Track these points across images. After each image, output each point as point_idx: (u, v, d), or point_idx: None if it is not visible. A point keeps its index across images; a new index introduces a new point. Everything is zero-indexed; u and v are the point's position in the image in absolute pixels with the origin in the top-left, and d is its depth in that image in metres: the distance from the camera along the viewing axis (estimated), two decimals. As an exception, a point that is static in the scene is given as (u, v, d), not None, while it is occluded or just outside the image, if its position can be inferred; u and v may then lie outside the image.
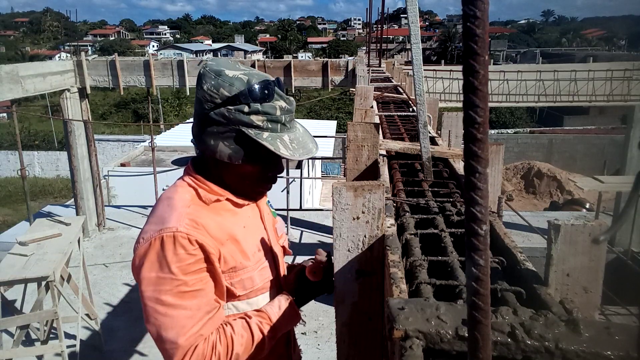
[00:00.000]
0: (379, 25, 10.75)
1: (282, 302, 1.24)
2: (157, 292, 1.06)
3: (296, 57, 31.15)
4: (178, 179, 1.25)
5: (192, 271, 1.07)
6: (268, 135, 1.11)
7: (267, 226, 1.34)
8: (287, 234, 1.60)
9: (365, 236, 1.09)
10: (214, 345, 1.09)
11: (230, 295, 1.19)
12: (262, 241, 1.29)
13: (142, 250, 1.08)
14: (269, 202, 1.44)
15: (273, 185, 1.27)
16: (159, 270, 1.06)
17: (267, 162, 1.18)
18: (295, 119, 1.22)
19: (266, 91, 1.11)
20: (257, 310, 1.21)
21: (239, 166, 1.16)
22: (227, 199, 1.21)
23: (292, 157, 1.12)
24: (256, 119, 1.11)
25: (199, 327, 1.07)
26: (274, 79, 1.16)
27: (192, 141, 1.22)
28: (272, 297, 1.30)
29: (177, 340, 1.05)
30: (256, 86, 1.10)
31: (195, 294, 1.07)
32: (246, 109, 1.09)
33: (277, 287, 1.33)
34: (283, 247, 1.41)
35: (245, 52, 59.28)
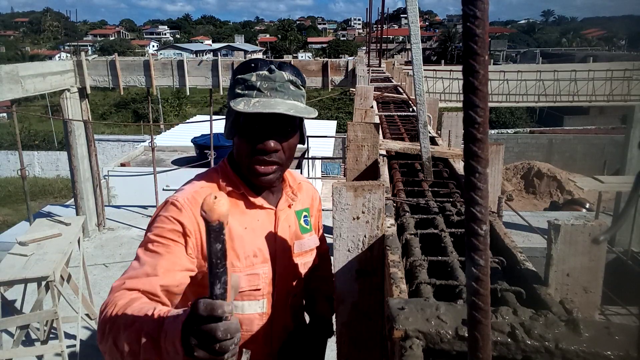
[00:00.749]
0: (379, 25, 10.76)
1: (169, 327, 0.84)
2: (139, 245, 1.13)
3: (296, 57, 31.17)
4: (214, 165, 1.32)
5: (163, 236, 1.09)
6: (240, 99, 1.13)
7: (279, 236, 1.27)
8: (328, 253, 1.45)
9: (365, 236, 1.09)
10: (115, 303, 0.96)
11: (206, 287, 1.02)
12: (264, 248, 1.23)
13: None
14: (306, 217, 1.37)
15: (267, 169, 1.17)
16: (148, 226, 1.15)
17: (247, 132, 1.16)
18: (297, 102, 1.17)
19: (252, 64, 1.16)
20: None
21: (234, 142, 1.21)
22: (242, 194, 1.22)
23: (245, 110, 1.09)
24: (237, 89, 1.15)
25: (129, 278, 1.03)
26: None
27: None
28: (268, 309, 1.26)
29: (115, 284, 1.04)
30: (243, 62, 1.19)
31: (151, 254, 1.08)
32: (233, 83, 1.17)
33: (275, 299, 1.28)
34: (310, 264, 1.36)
35: (245, 52, 59.30)
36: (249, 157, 1.18)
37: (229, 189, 1.21)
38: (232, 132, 1.19)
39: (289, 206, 1.32)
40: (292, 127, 1.19)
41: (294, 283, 1.34)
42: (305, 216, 1.37)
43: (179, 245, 1.10)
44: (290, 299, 1.33)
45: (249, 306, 1.23)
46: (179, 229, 1.10)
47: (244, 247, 1.20)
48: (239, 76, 1.16)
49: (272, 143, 1.15)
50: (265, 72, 1.14)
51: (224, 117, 1.25)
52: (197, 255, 1.13)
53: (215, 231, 0.68)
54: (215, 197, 0.67)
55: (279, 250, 1.27)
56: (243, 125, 1.16)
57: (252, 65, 1.16)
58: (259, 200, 1.24)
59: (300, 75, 1.21)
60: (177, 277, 1.08)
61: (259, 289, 1.23)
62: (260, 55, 55.59)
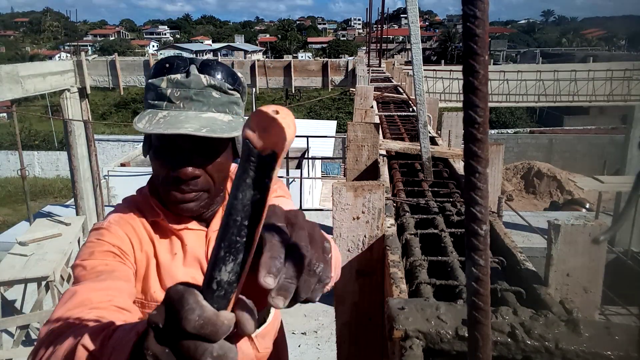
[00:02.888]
0: (379, 25, 10.76)
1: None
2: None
3: (296, 57, 31.19)
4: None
5: (94, 258, 0.89)
6: (147, 112, 0.90)
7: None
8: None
9: (365, 236, 1.09)
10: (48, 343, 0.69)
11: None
12: (198, 276, 1.00)
13: None
14: None
15: (186, 197, 0.94)
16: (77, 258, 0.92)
17: (160, 154, 0.93)
18: (219, 114, 0.93)
19: (167, 64, 0.91)
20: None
21: (151, 164, 0.97)
22: (163, 220, 1.00)
23: (145, 130, 0.87)
24: (148, 98, 0.92)
25: (60, 308, 0.76)
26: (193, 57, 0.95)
27: None
28: None
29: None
30: (160, 61, 0.92)
31: (76, 278, 0.87)
32: (145, 89, 0.93)
33: None
34: None
35: (245, 52, 59.31)
36: (166, 184, 0.95)
37: (151, 218, 1.00)
38: (146, 151, 0.97)
39: None
40: (216, 146, 0.94)
41: None
42: None
43: (117, 262, 0.91)
44: None
45: None
46: (113, 249, 0.91)
47: (175, 276, 0.99)
48: (150, 81, 0.91)
49: (189, 169, 0.91)
50: (179, 77, 0.89)
51: None
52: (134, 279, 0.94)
53: (264, 164, 0.40)
54: (277, 111, 0.39)
55: None
56: (155, 145, 0.93)
57: (167, 65, 0.91)
58: (182, 222, 1.02)
59: (231, 75, 0.94)
60: (129, 288, 0.89)
61: None
62: (260, 56, 55.57)
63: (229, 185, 1.06)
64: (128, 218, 0.98)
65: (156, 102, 0.90)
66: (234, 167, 1.06)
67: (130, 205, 1.02)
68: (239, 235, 0.40)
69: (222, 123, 0.90)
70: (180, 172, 0.91)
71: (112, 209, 1.07)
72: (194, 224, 1.02)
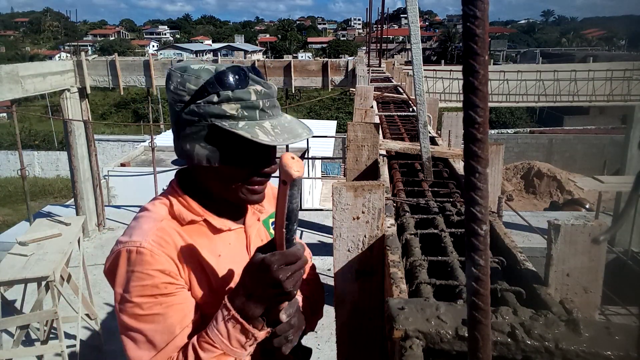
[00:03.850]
0: (379, 25, 10.76)
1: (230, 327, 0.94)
2: (119, 310, 0.97)
3: (296, 57, 31.18)
4: (161, 193, 1.11)
5: (149, 294, 0.94)
6: (245, 124, 0.96)
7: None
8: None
9: (365, 236, 1.09)
10: None
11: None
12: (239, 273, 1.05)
13: (108, 262, 1.01)
14: (273, 222, 1.16)
15: (262, 188, 1.06)
16: (119, 286, 0.97)
17: (250, 157, 1.01)
18: (286, 114, 1.05)
19: (237, 76, 0.96)
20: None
21: (221, 169, 1.01)
22: (205, 221, 1.05)
23: (274, 143, 0.94)
24: (229, 108, 0.96)
25: (154, 354, 0.94)
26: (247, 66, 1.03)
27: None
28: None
29: (132, 356, 0.95)
30: (225, 72, 0.97)
31: (152, 319, 0.95)
32: (215, 98, 0.96)
33: None
34: None
35: (245, 52, 59.31)
36: (246, 182, 1.03)
37: (189, 218, 1.04)
38: (224, 158, 1.00)
39: (258, 219, 1.17)
40: None
41: None
42: (272, 222, 1.19)
43: (173, 294, 0.97)
44: None
45: None
46: (161, 277, 0.95)
47: (224, 277, 1.05)
48: (227, 93, 0.96)
49: (274, 166, 1.03)
50: (262, 88, 0.98)
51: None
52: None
53: (296, 186, 0.83)
54: (293, 157, 0.82)
55: None
56: (242, 151, 1.00)
57: (237, 77, 0.97)
58: (225, 223, 1.08)
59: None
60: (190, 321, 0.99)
61: None
62: (260, 56, 55.53)
63: None
64: (164, 233, 1.00)
65: (247, 112, 0.97)
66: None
67: (161, 210, 1.05)
68: (293, 222, 0.88)
69: (304, 123, 1.06)
70: (271, 169, 1.03)
71: (140, 210, 1.08)
72: (233, 224, 1.10)
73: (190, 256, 1.01)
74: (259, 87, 0.98)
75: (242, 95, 0.96)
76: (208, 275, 1.03)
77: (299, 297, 1.11)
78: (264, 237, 1.16)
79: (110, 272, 0.99)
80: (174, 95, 1.00)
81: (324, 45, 69.98)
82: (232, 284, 1.03)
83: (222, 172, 1.01)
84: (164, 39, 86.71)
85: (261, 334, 0.94)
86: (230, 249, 1.08)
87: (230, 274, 1.05)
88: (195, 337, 0.95)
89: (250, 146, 0.97)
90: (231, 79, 0.96)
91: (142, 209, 1.08)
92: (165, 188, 1.14)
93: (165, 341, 0.95)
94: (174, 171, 1.17)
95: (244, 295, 0.93)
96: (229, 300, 0.94)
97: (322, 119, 25.44)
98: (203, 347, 0.93)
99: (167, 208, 1.05)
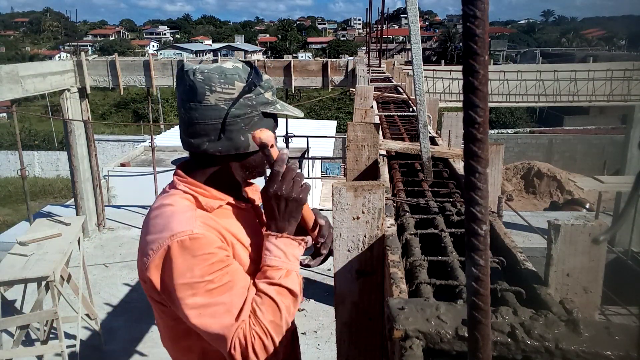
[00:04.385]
0: (379, 25, 10.76)
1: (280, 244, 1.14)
2: (190, 296, 1.03)
3: (296, 57, 31.14)
4: (169, 188, 1.19)
5: (217, 270, 1.04)
6: (278, 105, 1.20)
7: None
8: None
9: (365, 236, 1.09)
10: (257, 323, 1.05)
11: None
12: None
13: (157, 260, 1.05)
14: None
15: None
16: (180, 275, 1.03)
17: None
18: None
19: (257, 69, 1.19)
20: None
21: (244, 157, 1.18)
22: (228, 203, 1.18)
23: (299, 115, 1.26)
24: (269, 96, 1.18)
25: (237, 315, 1.04)
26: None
27: (197, 154, 1.17)
28: None
29: (222, 333, 1.03)
30: (255, 68, 1.18)
31: (224, 289, 1.05)
32: (261, 90, 1.16)
33: None
34: None
35: (245, 52, 59.33)
36: (262, 165, 1.22)
37: (216, 205, 1.15)
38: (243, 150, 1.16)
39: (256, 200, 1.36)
40: None
41: None
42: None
43: (232, 263, 1.09)
44: None
45: None
46: (219, 253, 1.06)
47: (253, 246, 1.19)
48: (264, 84, 1.17)
49: None
50: (274, 87, 1.22)
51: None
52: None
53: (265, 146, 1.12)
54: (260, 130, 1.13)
55: None
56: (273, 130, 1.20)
57: (259, 71, 1.18)
58: (240, 203, 1.23)
59: None
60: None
61: None
62: (260, 56, 55.56)
63: None
64: (204, 218, 1.11)
65: (274, 97, 1.20)
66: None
67: (185, 202, 1.14)
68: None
69: None
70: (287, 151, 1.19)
71: (155, 208, 1.15)
72: (245, 203, 1.26)
73: (228, 234, 1.14)
74: (266, 76, 1.20)
75: (269, 84, 1.18)
76: (245, 247, 1.17)
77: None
78: (262, 217, 1.33)
79: (163, 267, 1.05)
80: (222, 95, 1.11)
81: (324, 45, 69.97)
82: (260, 252, 1.17)
83: (255, 157, 1.19)
84: (164, 39, 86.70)
85: (307, 240, 1.20)
86: (249, 223, 1.23)
87: (256, 242, 1.19)
88: (257, 278, 1.11)
89: (274, 126, 1.21)
90: (260, 72, 1.17)
91: (161, 205, 1.15)
92: (173, 181, 1.21)
93: (241, 302, 1.05)
94: (174, 171, 1.24)
95: (275, 221, 1.14)
96: (268, 231, 1.15)
97: (322, 119, 25.44)
98: (270, 276, 1.09)
99: (189, 201, 1.14)
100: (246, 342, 1.02)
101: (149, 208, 1.22)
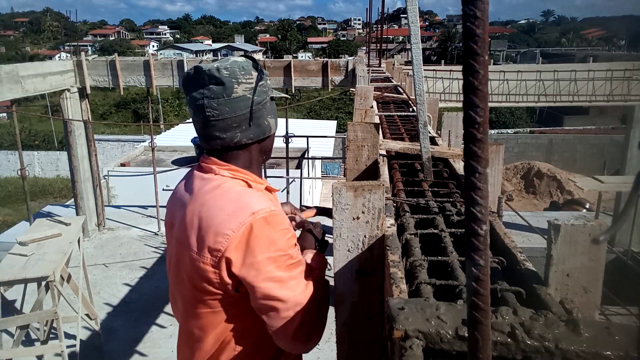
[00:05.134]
0: (379, 25, 10.75)
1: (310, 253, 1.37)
2: (274, 270, 1.11)
3: (296, 57, 31.12)
4: (206, 175, 1.24)
5: (294, 244, 1.18)
6: (273, 90, 1.32)
7: None
8: None
9: (365, 236, 1.09)
10: (315, 298, 1.19)
11: None
12: None
13: (239, 238, 1.10)
14: None
15: None
16: (264, 250, 1.10)
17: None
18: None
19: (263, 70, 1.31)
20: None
21: (264, 139, 1.29)
22: (266, 188, 1.30)
23: (286, 96, 1.49)
24: (270, 82, 1.30)
25: (304, 288, 1.16)
26: None
27: (230, 144, 1.24)
28: None
29: (300, 302, 1.14)
30: (253, 58, 1.29)
31: (297, 264, 1.16)
32: (267, 77, 1.27)
33: None
34: None
35: (245, 52, 59.26)
36: (272, 148, 1.36)
37: (261, 187, 1.29)
38: (276, 124, 1.32)
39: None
40: None
41: None
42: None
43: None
44: None
45: None
46: (292, 229, 1.23)
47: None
48: (272, 89, 1.31)
49: None
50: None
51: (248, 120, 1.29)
52: None
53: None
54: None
55: None
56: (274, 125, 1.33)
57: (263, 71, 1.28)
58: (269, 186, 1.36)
59: None
60: None
61: None
62: (260, 56, 55.61)
63: None
64: (267, 196, 1.25)
65: (271, 92, 1.29)
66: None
67: (242, 185, 1.23)
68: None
69: None
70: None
71: (232, 187, 1.21)
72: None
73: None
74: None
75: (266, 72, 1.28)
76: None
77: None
78: None
79: (247, 245, 1.10)
80: (246, 85, 1.20)
81: (324, 45, 69.94)
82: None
83: (271, 139, 1.32)
84: (164, 39, 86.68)
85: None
86: (277, 204, 1.37)
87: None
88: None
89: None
90: (262, 71, 1.27)
91: (219, 187, 1.20)
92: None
93: (305, 276, 1.19)
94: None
95: (305, 244, 1.40)
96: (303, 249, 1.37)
97: (322, 119, 25.44)
98: (311, 257, 1.33)
99: (245, 183, 1.24)
100: (315, 313, 1.18)
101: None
